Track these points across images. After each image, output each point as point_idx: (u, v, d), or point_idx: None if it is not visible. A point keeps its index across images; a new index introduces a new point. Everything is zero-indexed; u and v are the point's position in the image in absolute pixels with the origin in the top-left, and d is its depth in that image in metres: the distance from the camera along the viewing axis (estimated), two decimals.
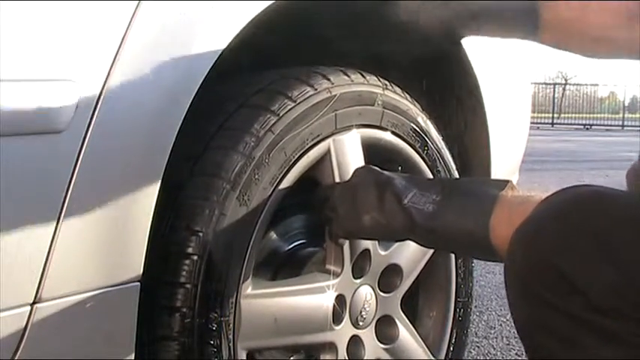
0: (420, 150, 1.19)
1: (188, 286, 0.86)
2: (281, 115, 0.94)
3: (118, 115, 0.77)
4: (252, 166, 0.91)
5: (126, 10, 0.77)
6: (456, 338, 1.30)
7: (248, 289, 0.94)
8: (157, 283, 0.86)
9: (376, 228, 0.95)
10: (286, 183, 0.96)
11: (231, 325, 0.91)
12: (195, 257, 0.87)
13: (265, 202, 0.93)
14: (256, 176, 0.92)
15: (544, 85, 26.95)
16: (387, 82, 1.14)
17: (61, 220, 0.73)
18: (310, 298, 1.02)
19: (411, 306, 1.25)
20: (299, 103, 0.97)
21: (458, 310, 1.30)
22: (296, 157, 0.97)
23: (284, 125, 0.95)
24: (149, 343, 0.87)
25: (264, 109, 0.94)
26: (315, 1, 1.04)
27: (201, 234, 0.87)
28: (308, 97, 0.98)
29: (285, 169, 0.96)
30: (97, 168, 0.75)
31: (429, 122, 1.21)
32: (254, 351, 0.97)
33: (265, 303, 0.97)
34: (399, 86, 1.16)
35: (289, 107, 0.96)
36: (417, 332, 1.22)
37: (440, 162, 1.23)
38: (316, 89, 1.00)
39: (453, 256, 1.29)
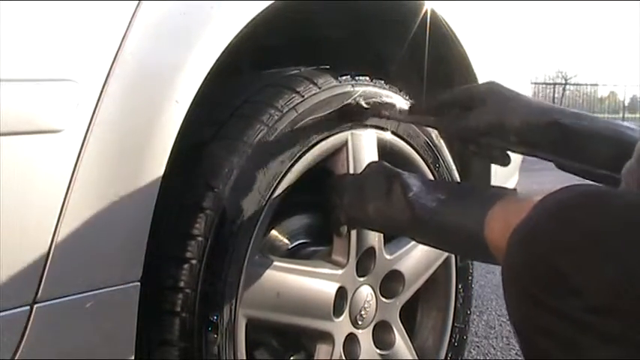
0: (431, 165, 1.22)
1: (200, 239, 0.88)
2: (305, 97, 1.00)
3: (118, 115, 0.77)
4: (273, 137, 0.94)
5: (126, 9, 0.77)
6: None
7: (256, 256, 0.95)
8: (168, 235, 0.88)
9: (379, 218, 0.96)
10: (304, 162, 0.99)
11: (235, 287, 0.91)
12: (210, 212, 0.88)
13: (284, 173, 0.96)
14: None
15: (544, 85, 26.97)
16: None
17: (61, 220, 0.73)
18: (313, 281, 1.04)
19: (408, 322, 1.25)
20: (323, 90, 1.02)
21: (454, 335, 1.31)
22: (316, 139, 1.01)
23: (307, 106, 0.99)
24: (155, 293, 0.87)
25: (290, 89, 0.99)
26: (317, 0, 1.04)
27: (217, 190, 0.89)
28: (332, 87, 1.04)
29: (305, 148, 0.99)
30: (97, 168, 0.75)
31: (441, 140, 1.23)
32: (254, 321, 0.97)
33: (270, 274, 0.98)
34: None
35: (314, 92, 1.01)
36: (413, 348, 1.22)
37: (449, 179, 1.25)
38: (340, 82, 1.05)
39: (454, 280, 1.29)
